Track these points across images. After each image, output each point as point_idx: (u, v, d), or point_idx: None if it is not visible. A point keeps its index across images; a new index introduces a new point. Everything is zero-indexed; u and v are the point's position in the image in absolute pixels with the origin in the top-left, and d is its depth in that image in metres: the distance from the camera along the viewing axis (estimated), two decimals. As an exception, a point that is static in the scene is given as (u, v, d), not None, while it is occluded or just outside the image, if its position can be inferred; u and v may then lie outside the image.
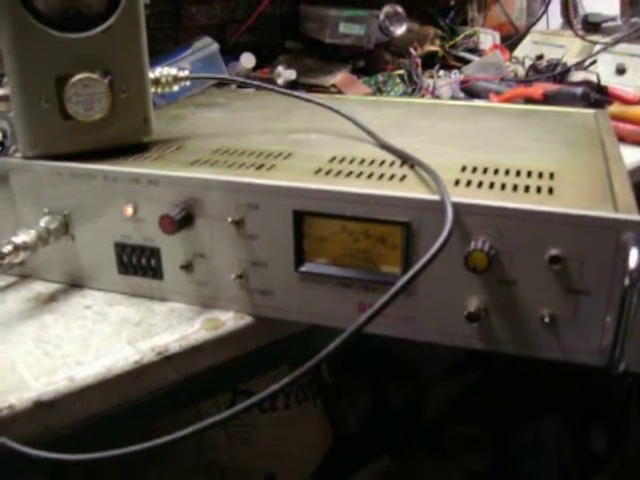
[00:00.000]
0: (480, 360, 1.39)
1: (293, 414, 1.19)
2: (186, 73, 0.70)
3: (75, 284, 0.65)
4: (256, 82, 0.81)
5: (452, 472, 1.43)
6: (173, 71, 0.69)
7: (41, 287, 0.65)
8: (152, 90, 0.66)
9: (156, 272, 0.61)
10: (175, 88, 0.69)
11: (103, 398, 0.52)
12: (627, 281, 0.45)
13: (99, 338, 0.56)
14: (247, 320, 0.59)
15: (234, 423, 1.14)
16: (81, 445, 0.46)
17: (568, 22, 1.40)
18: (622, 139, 0.97)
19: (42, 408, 0.49)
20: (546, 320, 0.50)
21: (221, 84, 1.03)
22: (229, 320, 0.58)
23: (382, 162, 0.61)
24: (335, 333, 0.46)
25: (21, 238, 0.59)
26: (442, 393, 1.47)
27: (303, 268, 0.56)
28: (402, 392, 1.45)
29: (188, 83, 0.71)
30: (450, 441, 1.46)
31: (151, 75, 0.66)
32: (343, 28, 1.22)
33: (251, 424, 1.15)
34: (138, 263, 0.61)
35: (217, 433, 1.14)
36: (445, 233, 0.47)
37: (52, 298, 0.63)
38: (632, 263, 0.45)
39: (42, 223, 0.61)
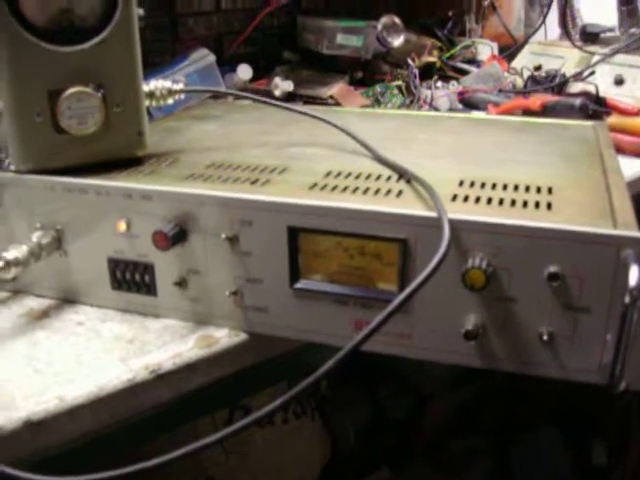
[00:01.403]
0: (479, 373, 1.38)
1: (291, 428, 1.18)
2: (181, 86, 0.69)
3: (68, 300, 0.64)
4: (251, 95, 0.81)
5: (451, 485, 1.42)
6: (167, 84, 0.68)
7: (33, 303, 0.64)
8: (146, 103, 0.66)
9: (150, 288, 0.60)
10: (170, 101, 0.69)
11: (94, 417, 0.51)
12: (627, 299, 0.45)
13: (91, 356, 0.55)
14: (242, 337, 0.58)
15: (232, 438, 1.13)
16: (72, 465, 0.45)
17: (566, 33, 1.40)
18: (621, 151, 0.96)
19: (31, 428, 0.48)
20: (545, 338, 0.49)
21: (217, 96, 1.02)
22: (223, 337, 0.58)
23: (378, 177, 0.60)
24: (332, 349, 0.45)
25: (12, 254, 0.58)
26: (441, 406, 1.46)
27: (298, 285, 0.55)
28: (401, 405, 1.44)
29: (183, 96, 0.70)
30: (449, 454, 1.45)
31: (145, 88, 0.66)
32: (340, 39, 1.22)
33: (249, 439, 1.14)
34: (132, 279, 0.60)
35: (214, 448, 1.12)
36: (442, 251, 0.46)
37: (44, 314, 0.62)
38: (632, 281, 0.44)
39: (34, 238, 0.60)
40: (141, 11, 0.61)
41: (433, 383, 1.39)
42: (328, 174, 0.61)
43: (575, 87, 1.21)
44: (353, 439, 1.35)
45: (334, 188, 0.57)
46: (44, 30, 0.58)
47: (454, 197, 0.55)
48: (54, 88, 0.59)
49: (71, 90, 0.59)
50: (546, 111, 1.06)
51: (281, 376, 0.67)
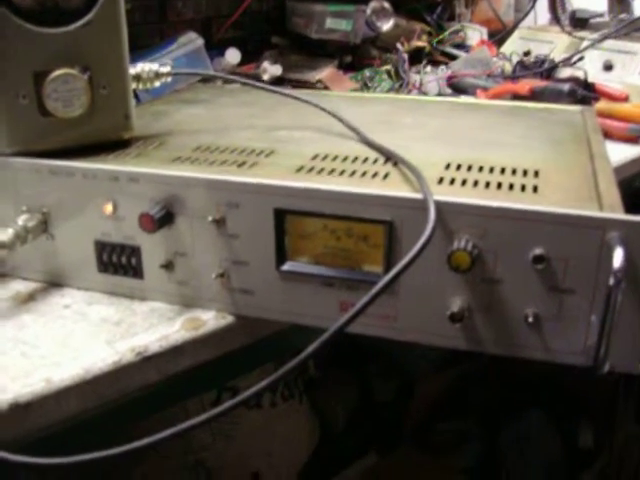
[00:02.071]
0: (467, 355, 1.38)
1: (279, 411, 1.18)
2: (168, 69, 0.69)
3: (54, 283, 0.64)
4: (240, 78, 0.81)
5: (440, 468, 1.43)
6: (154, 67, 0.68)
7: (20, 286, 0.64)
8: (133, 86, 0.65)
9: (136, 271, 0.60)
10: (157, 84, 0.69)
11: (81, 399, 0.51)
12: (612, 280, 0.45)
13: (78, 338, 0.55)
14: (228, 320, 0.58)
15: (219, 421, 1.13)
16: (61, 447, 0.45)
17: (556, 18, 1.40)
18: (609, 136, 0.97)
19: (18, 410, 0.48)
20: (530, 320, 0.49)
21: (206, 80, 1.02)
22: (210, 320, 0.58)
23: (365, 159, 0.60)
24: (320, 331, 0.45)
25: (-2, 237, 0.57)
26: (429, 389, 1.47)
27: (284, 267, 0.55)
28: (389, 388, 1.44)
29: (170, 79, 0.70)
30: (437, 437, 1.46)
31: (132, 71, 0.65)
32: (330, 23, 1.21)
33: (237, 422, 1.14)
34: (118, 262, 0.60)
35: (202, 432, 1.13)
36: (427, 232, 0.47)
37: (31, 297, 0.62)
38: (616, 262, 0.45)
39: (20, 221, 0.59)
40: (127, -8, 0.61)
41: (421, 365, 1.40)
42: (315, 157, 0.61)
43: (564, 72, 1.21)
44: (342, 422, 1.36)
45: (321, 171, 0.57)
46: (29, 11, 0.57)
47: (440, 180, 0.55)
48: (40, 70, 0.58)
49: (57, 72, 0.59)
50: (535, 96, 1.06)
51: (268, 358, 0.68)
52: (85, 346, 0.54)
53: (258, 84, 0.79)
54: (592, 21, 1.38)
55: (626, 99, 1.08)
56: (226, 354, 0.58)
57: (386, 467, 1.40)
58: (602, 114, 0.98)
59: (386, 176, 0.56)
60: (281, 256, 0.55)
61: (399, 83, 1.20)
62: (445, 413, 1.47)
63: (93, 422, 0.53)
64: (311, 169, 0.57)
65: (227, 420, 1.13)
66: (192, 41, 1.04)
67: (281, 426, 1.19)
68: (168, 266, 0.58)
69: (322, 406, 1.34)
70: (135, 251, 0.59)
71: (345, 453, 1.37)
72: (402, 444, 1.44)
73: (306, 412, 1.27)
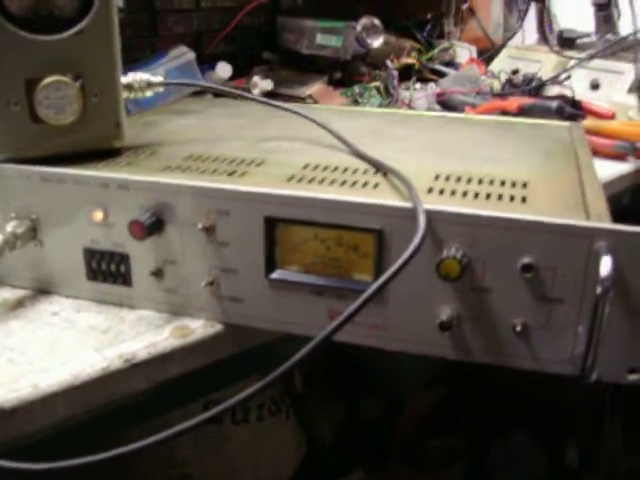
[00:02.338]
0: (455, 372, 1.38)
1: (266, 426, 1.18)
2: (160, 79, 0.69)
3: (43, 290, 0.64)
4: (231, 90, 0.81)
5: (427, 485, 1.42)
6: (146, 76, 0.68)
7: (7, 293, 0.63)
8: (125, 95, 0.65)
9: (125, 279, 0.60)
10: (148, 94, 0.69)
11: (68, 406, 0.51)
12: (599, 289, 0.45)
13: (66, 345, 0.55)
14: (217, 328, 0.58)
15: (206, 436, 1.12)
16: (47, 454, 0.44)
17: (544, 38, 1.42)
18: (596, 153, 0.97)
19: (3, 416, 0.47)
20: (518, 329, 0.50)
21: (196, 93, 1.02)
22: (199, 328, 0.58)
23: (355, 170, 0.60)
24: (308, 340, 0.45)
25: (-13, 242, 0.57)
26: (418, 405, 1.47)
27: (274, 275, 0.55)
28: (377, 405, 1.44)
29: (162, 89, 0.70)
30: (426, 453, 1.45)
31: (124, 80, 0.65)
32: (320, 39, 1.22)
33: (224, 436, 1.13)
34: (107, 269, 0.60)
35: (189, 446, 1.12)
36: (417, 240, 0.47)
37: (19, 304, 0.62)
38: (604, 271, 0.45)
39: (9, 228, 0.59)
40: (120, 2, 0.61)
41: (409, 382, 1.40)
42: (305, 167, 0.61)
43: (552, 90, 1.22)
44: (328, 438, 1.36)
45: (311, 180, 0.57)
46: (22, 19, 0.58)
47: (430, 190, 0.55)
48: (31, 77, 0.59)
49: (49, 79, 0.59)
50: (523, 113, 1.07)
51: (255, 369, 0.67)
52: (73, 353, 0.54)
53: (250, 95, 0.79)
54: (579, 41, 1.39)
55: (613, 117, 1.09)
56: (213, 363, 0.58)
57: (373, 483, 1.39)
58: (589, 131, 0.98)
59: (376, 186, 0.56)
60: (271, 264, 0.55)
61: (388, 100, 1.21)
62: (434, 430, 1.47)
63: (79, 430, 0.53)
64: (301, 178, 0.58)
65: (214, 435, 1.12)
66: (183, 54, 1.05)
67: (268, 441, 1.19)
68: (157, 274, 0.58)
69: (309, 422, 1.34)
70: (124, 259, 0.59)
71: (332, 469, 1.36)
72: (390, 461, 1.44)
73: (293, 427, 1.27)
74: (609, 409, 1.36)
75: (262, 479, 1.19)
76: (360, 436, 1.41)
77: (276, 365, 0.46)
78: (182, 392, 0.60)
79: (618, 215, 0.52)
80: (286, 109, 0.76)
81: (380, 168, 0.60)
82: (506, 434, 1.45)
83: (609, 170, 0.95)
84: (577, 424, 1.44)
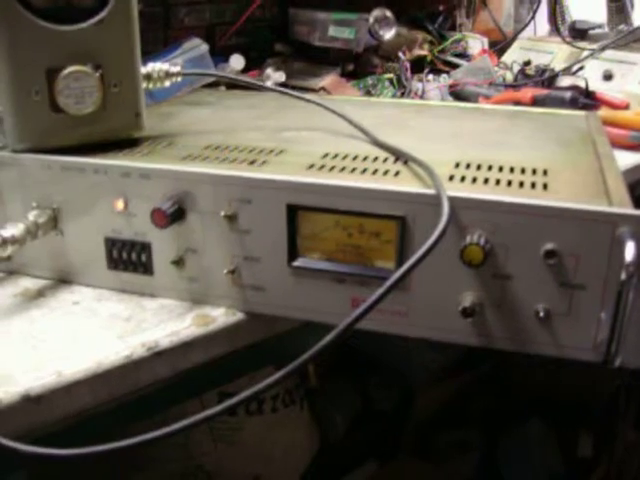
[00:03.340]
0: (467, 365, 1.39)
1: (280, 417, 1.18)
2: (178, 69, 0.69)
3: (63, 280, 0.64)
4: (251, 80, 0.81)
5: (439, 476, 1.42)
6: (165, 66, 0.68)
7: (28, 283, 0.64)
8: (144, 85, 0.65)
9: (146, 268, 0.60)
10: (167, 83, 0.69)
11: (92, 393, 0.51)
12: (623, 275, 0.45)
13: (88, 333, 0.55)
14: (238, 316, 0.58)
15: (221, 426, 1.13)
16: (67, 442, 0.45)
17: (556, 29, 1.41)
18: (610, 143, 0.97)
19: (30, 402, 0.48)
20: (541, 315, 0.50)
21: (209, 85, 1.02)
22: (220, 316, 0.58)
23: (375, 158, 0.60)
24: (328, 331, 0.45)
25: (9, 231, 0.57)
26: (429, 398, 1.47)
27: (296, 263, 0.55)
28: (389, 397, 1.44)
29: (180, 79, 0.70)
30: (438, 445, 1.45)
31: (143, 70, 0.66)
32: (332, 31, 1.22)
33: (238, 427, 1.14)
34: (128, 258, 0.60)
35: (203, 437, 1.13)
36: (441, 227, 0.47)
37: (40, 294, 0.62)
38: (628, 257, 0.45)
39: (31, 217, 0.60)
40: (138, -8, 0.61)
41: (421, 375, 1.40)
42: (325, 156, 0.61)
43: (565, 81, 1.22)
44: (341, 429, 1.36)
45: (332, 168, 0.57)
46: (43, 9, 0.58)
47: (451, 177, 0.55)
48: (52, 67, 0.59)
49: (69, 69, 0.59)
50: (536, 104, 1.06)
51: (270, 360, 0.68)
52: (96, 341, 0.54)
53: (265, 85, 0.79)
54: (591, 32, 1.39)
55: (627, 107, 1.09)
56: (228, 354, 0.59)
57: (386, 475, 1.40)
58: (604, 122, 0.98)
59: (397, 174, 0.56)
60: (293, 252, 0.55)
61: (401, 91, 1.20)
62: (445, 422, 1.47)
63: (100, 419, 0.53)
64: (322, 167, 0.58)
65: (229, 426, 1.13)
66: (196, 47, 1.05)
67: (282, 432, 1.19)
68: (179, 262, 0.58)
69: (322, 414, 1.34)
70: (146, 247, 0.59)
71: (345, 461, 1.37)
72: (402, 453, 1.44)
73: (307, 418, 1.27)
74: (623, 399, 1.36)
75: (276, 470, 1.19)
76: (373, 428, 1.41)
77: (290, 357, 0.46)
78: (197, 382, 0.60)
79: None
80: (307, 100, 0.76)
81: (400, 156, 0.60)
82: (518, 426, 1.45)
83: (624, 160, 0.94)
84: (590, 414, 1.44)
